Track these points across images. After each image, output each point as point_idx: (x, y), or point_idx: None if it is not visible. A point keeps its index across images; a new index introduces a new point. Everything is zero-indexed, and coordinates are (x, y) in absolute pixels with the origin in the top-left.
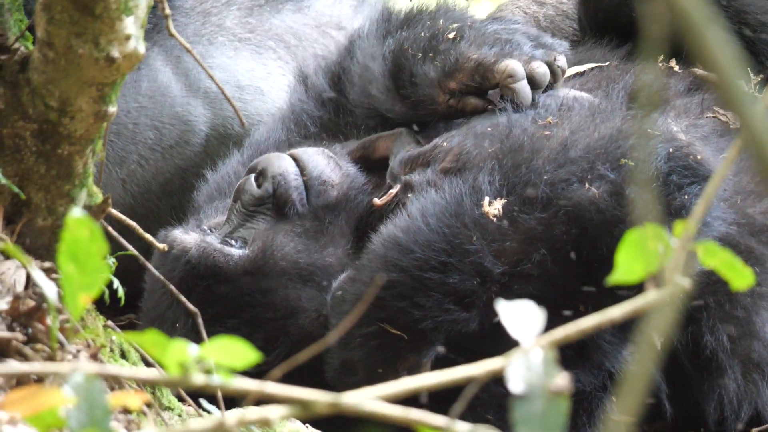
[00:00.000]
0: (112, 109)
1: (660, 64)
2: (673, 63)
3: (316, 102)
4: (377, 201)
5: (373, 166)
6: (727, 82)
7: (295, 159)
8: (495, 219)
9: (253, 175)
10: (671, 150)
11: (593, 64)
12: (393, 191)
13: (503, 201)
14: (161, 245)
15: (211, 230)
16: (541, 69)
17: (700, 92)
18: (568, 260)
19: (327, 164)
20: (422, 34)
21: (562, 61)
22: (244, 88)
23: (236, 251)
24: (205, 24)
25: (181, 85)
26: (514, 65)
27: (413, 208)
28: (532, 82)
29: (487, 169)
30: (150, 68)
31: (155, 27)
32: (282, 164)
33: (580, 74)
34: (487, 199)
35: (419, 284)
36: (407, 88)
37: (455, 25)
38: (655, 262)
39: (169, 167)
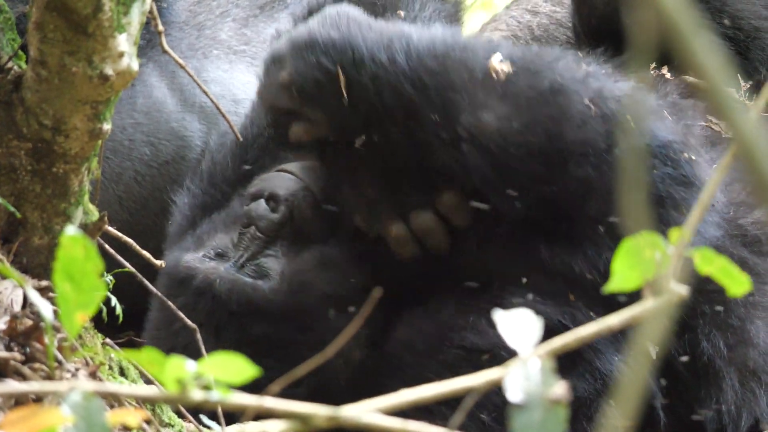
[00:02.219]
0: (107, 126)
1: (652, 72)
2: (665, 70)
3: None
4: None
5: None
6: (716, 89)
7: (295, 176)
8: (495, 75)
9: (262, 200)
10: (664, 151)
11: None
12: None
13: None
14: (159, 262)
15: (220, 255)
16: None
17: (691, 99)
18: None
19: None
20: None
21: None
22: (240, 102)
23: (264, 285)
24: (200, 38)
25: (176, 101)
26: None
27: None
28: None
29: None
30: (145, 84)
31: (149, 43)
32: (290, 186)
33: None
34: (499, 55)
35: None
36: None
37: None
38: (651, 270)
39: (166, 183)
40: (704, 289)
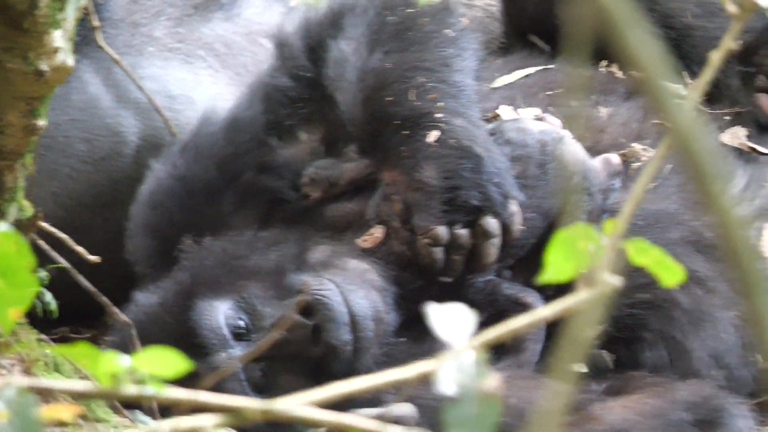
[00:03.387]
0: (42, 122)
1: (602, 69)
2: (614, 68)
3: (291, 76)
4: (362, 243)
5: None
6: (654, 83)
7: (347, 302)
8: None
9: (309, 324)
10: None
11: (533, 69)
12: (376, 234)
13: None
14: (93, 258)
15: (238, 336)
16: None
17: (641, 97)
18: None
19: (373, 309)
20: (413, 75)
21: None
22: (175, 98)
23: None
24: (135, 35)
25: (111, 97)
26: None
27: None
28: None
29: None
30: (80, 80)
31: (84, 39)
32: (340, 320)
33: (524, 79)
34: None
35: None
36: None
37: (438, 112)
38: (585, 261)
39: (102, 179)
40: (654, 299)
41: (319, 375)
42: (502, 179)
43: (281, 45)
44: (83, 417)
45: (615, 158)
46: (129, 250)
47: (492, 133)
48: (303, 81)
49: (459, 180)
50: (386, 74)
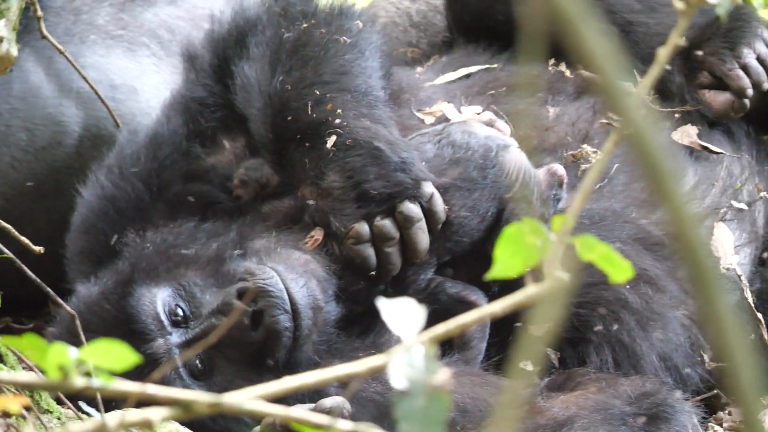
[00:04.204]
0: None
1: (550, 68)
2: (562, 67)
3: (204, 87)
4: (303, 246)
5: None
6: (607, 79)
7: (287, 290)
8: None
9: (249, 311)
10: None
11: (477, 67)
12: (316, 236)
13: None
14: (37, 248)
15: (176, 324)
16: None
17: (590, 95)
18: None
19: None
20: (309, 91)
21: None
22: (117, 87)
23: (196, 386)
24: (76, 23)
25: (53, 86)
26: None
27: None
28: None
29: None
30: (21, 69)
31: (26, 28)
32: (281, 306)
33: (466, 77)
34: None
35: None
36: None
37: (337, 122)
38: (533, 257)
39: (42, 169)
40: (601, 302)
41: (257, 362)
42: (408, 166)
43: (192, 58)
44: (28, 408)
45: (560, 169)
46: (68, 278)
47: (438, 134)
48: (216, 91)
49: (362, 175)
50: (285, 96)
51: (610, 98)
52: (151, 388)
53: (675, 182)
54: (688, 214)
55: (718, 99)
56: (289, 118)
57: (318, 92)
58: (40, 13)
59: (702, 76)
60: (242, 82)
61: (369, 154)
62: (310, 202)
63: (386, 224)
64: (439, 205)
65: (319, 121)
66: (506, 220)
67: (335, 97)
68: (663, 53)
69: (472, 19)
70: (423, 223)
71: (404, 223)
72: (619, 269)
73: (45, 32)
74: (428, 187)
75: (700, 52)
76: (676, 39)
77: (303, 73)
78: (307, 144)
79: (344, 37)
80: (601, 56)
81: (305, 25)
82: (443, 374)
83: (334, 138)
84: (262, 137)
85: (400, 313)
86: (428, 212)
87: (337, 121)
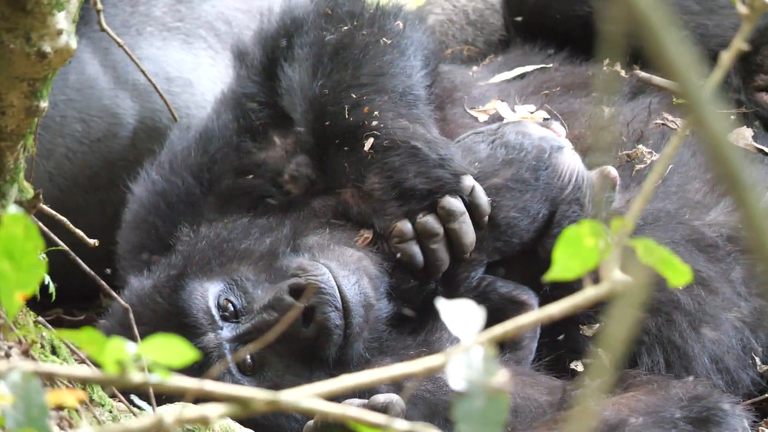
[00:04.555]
0: (44, 104)
1: (605, 68)
2: (617, 66)
3: (255, 83)
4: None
5: None
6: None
7: (339, 287)
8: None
9: (299, 305)
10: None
11: (532, 67)
12: (366, 235)
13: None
14: (92, 241)
15: (226, 319)
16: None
17: (646, 96)
18: None
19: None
20: (346, 94)
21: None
22: (173, 80)
23: (248, 382)
24: (133, 14)
25: (109, 78)
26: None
27: None
28: None
29: None
30: (78, 60)
31: (82, 19)
32: (332, 303)
33: (521, 77)
34: None
35: None
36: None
37: (374, 125)
38: (592, 259)
39: (97, 160)
40: (654, 304)
41: (307, 358)
42: (447, 162)
43: (242, 54)
44: (82, 402)
45: (612, 171)
46: (119, 275)
47: (493, 133)
48: (266, 89)
49: (401, 174)
50: (324, 101)
51: (690, 106)
52: (209, 385)
53: (753, 191)
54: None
55: None
56: (327, 122)
57: (354, 95)
58: (100, 5)
59: (759, 79)
60: (286, 84)
61: (407, 153)
62: (354, 206)
63: (428, 220)
64: (482, 197)
65: (356, 124)
66: (558, 223)
67: (372, 99)
68: (726, 58)
69: (529, 18)
70: (466, 217)
71: (447, 218)
72: (678, 273)
73: (104, 25)
74: (468, 181)
75: (758, 55)
76: (740, 43)
77: (342, 76)
78: (345, 148)
79: (385, 38)
80: (681, 65)
81: (347, 27)
82: (502, 375)
83: (371, 140)
84: (304, 141)
85: (459, 314)
86: (471, 205)
87: (374, 123)
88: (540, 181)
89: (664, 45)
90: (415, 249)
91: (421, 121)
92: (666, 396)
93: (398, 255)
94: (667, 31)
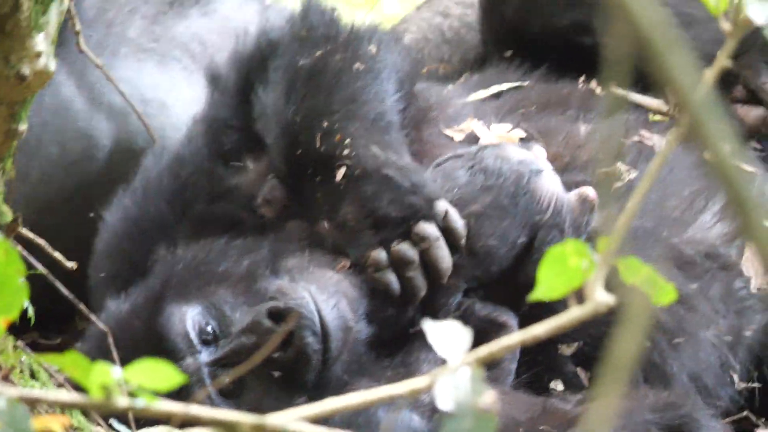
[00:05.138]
0: (23, 127)
1: (581, 85)
2: (594, 84)
3: (228, 107)
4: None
5: None
6: (695, 110)
7: (318, 312)
8: None
9: (280, 330)
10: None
11: (509, 85)
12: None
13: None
14: (70, 264)
15: (206, 343)
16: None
17: (623, 113)
18: None
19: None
20: (318, 123)
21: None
22: (148, 102)
23: (226, 405)
24: (108, 35)
25: (84, 99)
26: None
27: None
28: None
29: None
30: (53, 82)
31: (57, 40)
32: (312, 328)
33: (497, 96)
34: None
35: None
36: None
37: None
38: (577, 279)
39: (73, 183)
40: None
41: (286, 381)
42: (419, 188)
43: (216, 78)
44: (70, 427)
45: (591, 193)
46: (94, 304)
47: (472, 158)
48: (239, 112)
49: (373, 203)
50: (296, 129)
51: (696, 127)
52: (195, 409)
53: (761, 212)
54: None
55: (751, 114)
56: (299, 152)
57: (326, 123)
58: (78, 27)
59: (736, 90)
60: (260, 108)
61: (379, 181)
62: (328, 237)
63: (403, 248)
64: (456, 221)
65: (328, 154)
66: (538, 249)
67: (344, 126)
68: (709, 75)
69: (508, 31)
70: (441, 242)
71: (422, 244)
72: (662, 292)
73: (84, 47)
74: (442, 205)
75: (735, 65)
76: (724, 60)
77: (314, 103)
78: (318, 178)
79: (358, 63)
80: (688, 85)
81: (321, 52)
82: (490, 396)
83: (343, 170)
84: (278, 168)
85: (444, 335)
86: (446, 230)
87: (346, 152)
88: (519, 207)
89: (670, 68)
90: (391, 277)
91: (393, 147)
92: (639, 403)
93: (374, 284)
94: (673, 51)
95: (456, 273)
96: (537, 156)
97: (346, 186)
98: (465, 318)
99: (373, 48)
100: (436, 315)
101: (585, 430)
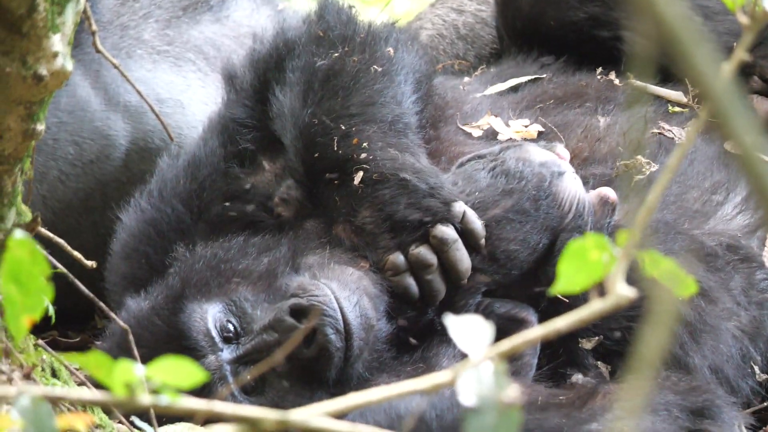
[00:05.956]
0: (41, 127)
1: (598, 77)
2: (612, 76)
3: (244, 107)
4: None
5: None
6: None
7: (340, 309)
8: None
9: (301, 326)
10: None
11: (526, 78)
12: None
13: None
14: (89, 263)
15: (227, 340)
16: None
17: (642, 106)
18: None
19: (365, 316)
20: (335, 125)
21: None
22: (164, 102)
23: (251, 401)
24: (123, 37)
25: (100, 100)
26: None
27: None
28: None
29: None
30: (69, 83)
31: (73, 42)
32: (334, 325)
33: (514, 90)
34: None
35: None
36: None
37: (362, 157)
38: (598, 272)
39: (90, 183)
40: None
41: (308, 378)
42: (437, 190)
43: (231, 78)
44: (94, 425)
45: (611, 194)
46: (111, 305)
47: (494, 159)
48: (256, 113)
49: (392, 206)
50: (313, 131)
51: (724, 122)
52: (219, 405)
53: None
54: None
55: (764, 106)
56: (317, 154)
57: (344, 126)
58: (94, 27)
59: (752, 81)
60: (277, 108)
61: (397, 185)
62: (346, 240)
63: (421, 251)
64: (474, 222)
65: (346, 157)
66: (558, 251)
67: (362, 129)
68: (727, 68)
69: (524, 25)
70: (460, 244)
71: (440, 247)
72: (683, 285)
73: (100, 47)
74: (459, 207)
75: (752, 57)
76: (741, 54)
77: (331, 105)
78: (335, 181)
79: (375, 66)
80: (711, 78)
81: (338, 53)
82: (513, 390)
83: (361, 174)
84: (294, 169)
85: (467, 330)
86: (464, 231)
87: (363, 155)
88: (540, 211)
89: (691, 55)
90: (410, 281)
91: (411, 150)
92: (662, 385)
93: (395, 288)
94: (698, 47)
95: (475, 274)
96: (559, 156)
97: (364, 190)
98: (485, 316)
99: (390, 49)
100: (456, 314)
101: (615, 416)
